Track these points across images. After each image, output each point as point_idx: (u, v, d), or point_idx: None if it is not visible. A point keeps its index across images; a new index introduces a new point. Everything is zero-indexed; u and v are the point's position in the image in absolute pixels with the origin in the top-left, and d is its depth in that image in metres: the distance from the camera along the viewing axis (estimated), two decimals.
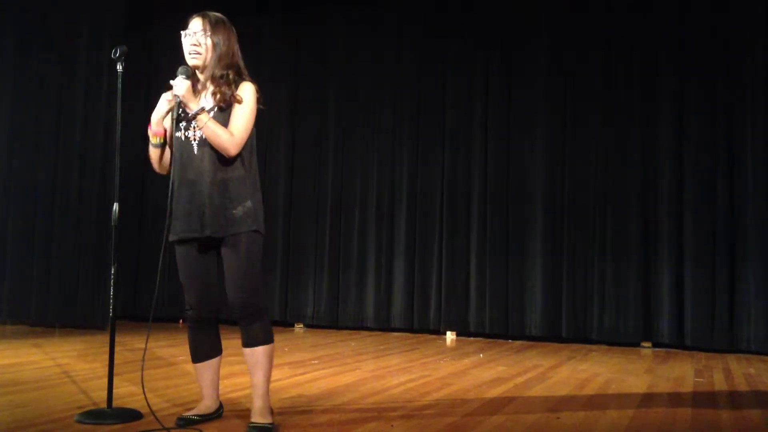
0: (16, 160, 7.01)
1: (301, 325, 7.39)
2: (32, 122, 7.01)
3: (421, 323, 6.96)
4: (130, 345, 5.58)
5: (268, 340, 2.88)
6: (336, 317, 7.25)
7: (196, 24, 2.88)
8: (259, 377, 2.87)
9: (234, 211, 2.82)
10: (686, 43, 6.31)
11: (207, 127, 2.78)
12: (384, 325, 7.08)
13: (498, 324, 6.67)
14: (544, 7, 6.79)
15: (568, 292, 6.47)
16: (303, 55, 7.56)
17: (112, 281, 3.20)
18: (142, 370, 3.03)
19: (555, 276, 6.54)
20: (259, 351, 2.87)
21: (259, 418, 2.83)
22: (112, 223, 3.16)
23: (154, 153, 2.94)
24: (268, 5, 7.37)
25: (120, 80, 3.17)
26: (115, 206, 3.14)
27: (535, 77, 6.77)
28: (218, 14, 2.93)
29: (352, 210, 7.35)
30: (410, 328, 7.00)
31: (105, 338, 5.79)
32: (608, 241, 6.38)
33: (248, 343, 2.88)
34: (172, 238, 2.90)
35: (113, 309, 3.20)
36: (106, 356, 3.19)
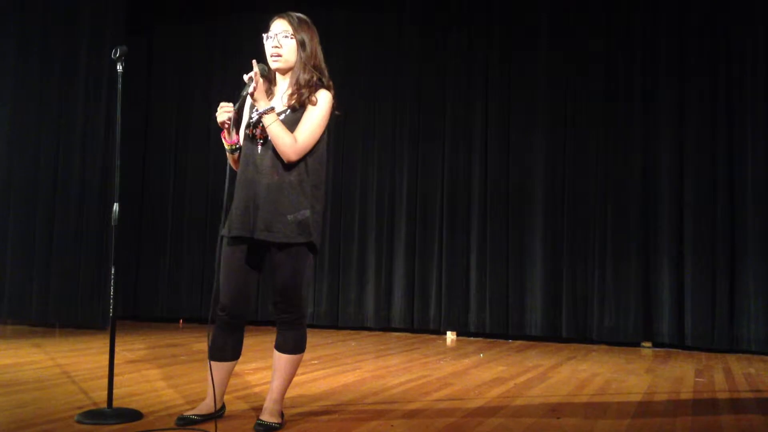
0: (16, 160, 7.01)
1: None
2: (33, 122, 7.01)
3: (421, 323, 6.96)
4: (131, 345, 5.59)
5: (297, 350, 2.91)
6: (336, 317, 7.25)
7: (277, 25, 2.86)
8: (277, 382, 2.90)
9: (289, 218, 2.78)
10: (687, 43, 6.30)
11: (272, 127, 2.76)
12: (384, 325, 7.08)
13: (498, 324, 6.67)
14: (545, 6, 6.79)
15: (568, 292, 6.47)
16: None
17: (112, 281, 3.19)
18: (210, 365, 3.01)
19: (555, 276, 6.54)
20: (285, 358, 2.90)
21: (268, 416, 2.85)
22: (112, 223, 3.16)
23: (230, 158, 2.95)
24: (267, 5, 7.37)
25: (120, 80, 3.17)
26: (115, 206, 3.14)
27: (535, 77, 6.76)
28: (300, 14, 2.90)
29: (352, 210, 7.34)
30: (410, 328, 7.00)
31: (105, 338, 5.79)
32: (608, 241, 6.38)
33: (278, 347, 2.91)
34: (225, 233, 2.87)
35: (113, 309, 3.20)
36: (106, 356, 3.18)
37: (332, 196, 7.40)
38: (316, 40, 2.92)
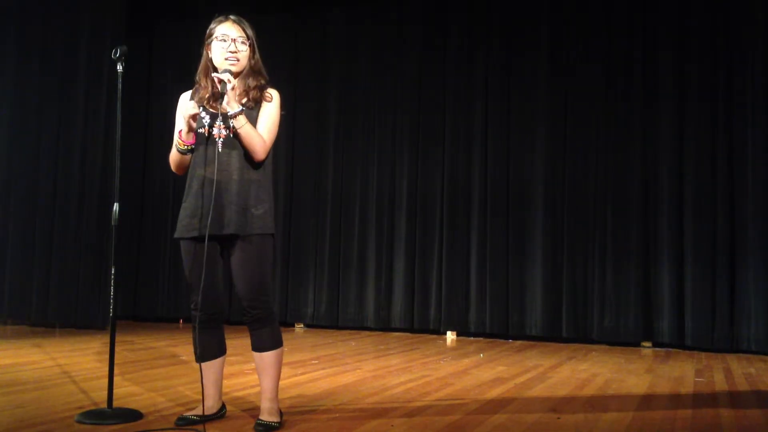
0: (16, 160, 7.01)
1: (301, 325, 7.39)
2: (33, 122, 7.00)
3: (421, 323, 6.96)
4: (131, 345, 5.59)
5: (276, 344, 2.92)
6: (336, 317, 7.25)
7: (233, 30, 2.90)
8: (267, 381, 2.90)
9: (254, 212, 2.84)
10: (687, 44, 6.30)
11: (244, 128, 2.81)
12: (384, 325, 7.08)
13: (498, 324, 6.67)
14: (545, 7, 6.79)
15: (568, 292, 6.47)
16: (303, 55, 7.56)
17: (112, 281, 3.19)
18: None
19: (555, 276, 6.54)
20: (268, 356, 2.90)
21: (267, 416, 2.86)
22: (112, 223, 3.16)
23: (178, 158, 2.94)
24: (268, 5, 7.38)
25: (120, 80, 3.17)
26: (115, 206, 3.14)
27: (535, 77, 6.76)
28: (240, 17, 2.96)
29: (352, 210, 7.34)
30: (410, 328, 7.00)
31: (105, 338, 5.80)
32: (608, 241, 6.38)
33: (257, 347, 2.91)
34: (190, 234, 2.87)
35: (113, 309, 3.20)
36: (106, 356, 3.18)
37: (332, 196, 7.41)
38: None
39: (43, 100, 7.01)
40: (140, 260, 7.92)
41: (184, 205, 2.91)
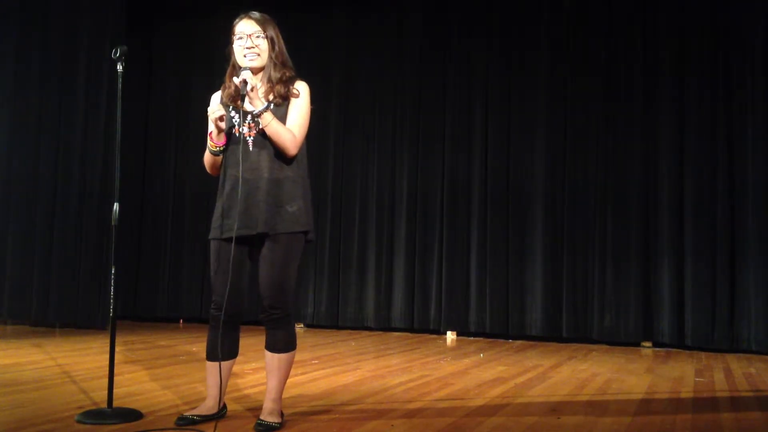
0: (16, 160, 7.00)
1: (301, 325, 7.38)
2: (32, 122, 7.00)
3: (421, 323, 6.96)
4: (131, 345, 5.58)
5: (290, 348, 2.93)
6: (336, 317, 7.25)
7: (248, 26, 2.88)
8: (274, 382, 2.91)
9: (288, 209, 2.84)
10: (687, 44, 6.30)
11: (271, 126, 2.80)
12: (384, 325, 7.08)
13: (498, 324, 6.67)
14: (545, 7, 6.79)
15: (568, 292, 6.47)
16: (302, 55, 7.54)
17: (112, 281, 3.19)
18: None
19: (555, 276, 6.54)
20: (279, 357, 2.91)
21: (267, 416, 2.86)
22: (112, 223, 3.16)
23: (211, 159, 2.95)
24: (268, 5, 7.37)
25: (120, 80, 3.17)
26: (115, 206, 3.14)
27: (535, 77, 6.76)
28: (261, 13, 2.93)
29: (352, 210, 7.34)
30: (410, 328, 7.00)
31: (105, 338, 5.79)
32: (608, 241, 6.38)
33: (270, 347, 2.92)
34: (221, 236, 2.87)
35: (113, 309, 3.20)
36: (107, 356, 3.18)
37: (332, 196, 7.41)
38: (280, 35, 2.96)
39: (43, 100, 7.01)
40: (140, 260, 7.92)
41: (216, 205, 2.92)
